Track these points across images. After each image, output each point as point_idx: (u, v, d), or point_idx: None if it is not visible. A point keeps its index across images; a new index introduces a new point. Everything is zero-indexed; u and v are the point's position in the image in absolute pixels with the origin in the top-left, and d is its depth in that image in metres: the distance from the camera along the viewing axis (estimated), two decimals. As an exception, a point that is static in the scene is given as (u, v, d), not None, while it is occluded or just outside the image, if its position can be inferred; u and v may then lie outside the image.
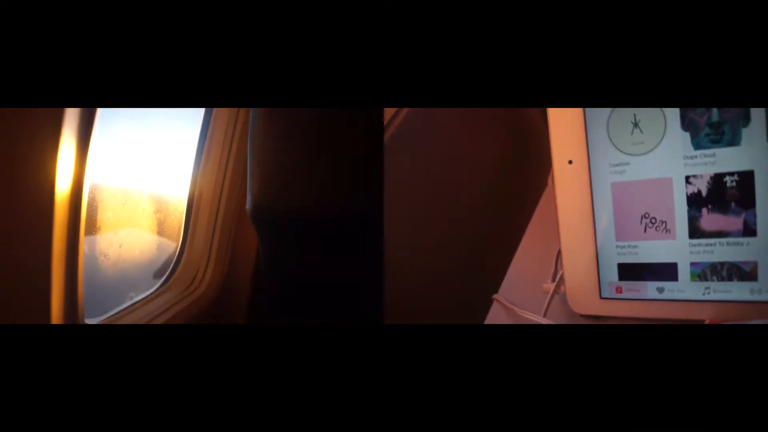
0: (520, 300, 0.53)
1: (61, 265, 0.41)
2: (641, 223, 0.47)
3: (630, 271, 0.48)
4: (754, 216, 0.43)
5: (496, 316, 0.54)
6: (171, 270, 0.87)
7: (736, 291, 0.45)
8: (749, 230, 0.44)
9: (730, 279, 0.45)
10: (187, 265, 0.88)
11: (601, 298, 0.49)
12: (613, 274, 0.49)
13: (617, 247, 0.48)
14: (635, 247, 0.47)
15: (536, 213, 0.65)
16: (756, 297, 0.44)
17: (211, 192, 0.87)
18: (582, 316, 0.50)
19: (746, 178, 0.43)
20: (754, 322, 0.42)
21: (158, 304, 0.78)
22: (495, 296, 0.55)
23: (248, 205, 0.57)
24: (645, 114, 0.45)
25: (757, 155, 0.42)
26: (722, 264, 0.45)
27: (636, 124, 0.45)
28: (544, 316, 0.49)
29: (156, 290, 0.82)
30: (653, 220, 0.46)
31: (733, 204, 0.44)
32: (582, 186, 0.47)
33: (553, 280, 0.51)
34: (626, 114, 0.46)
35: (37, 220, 0.39)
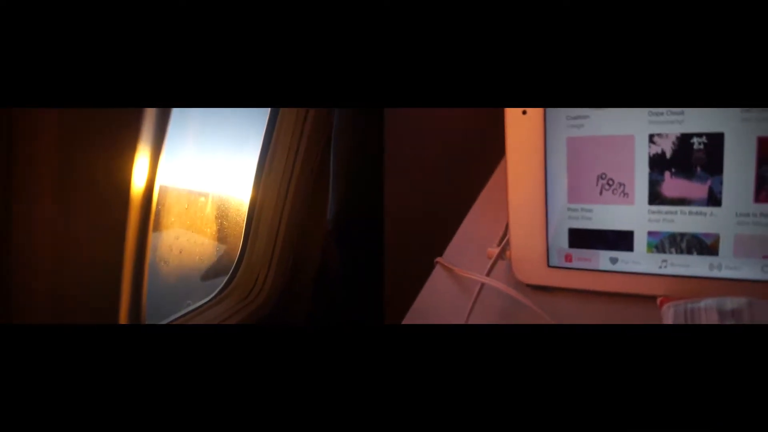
0: (464, 266, 0.49)
1: (130, 268, 0.41)
2: (597, 184, 0.42)
3: (582, 238, 0.43)
4: (721, 184, 0.39)
5: (438, 279, 0.49)
6: (229, 277, 0.84)
7: (695, 266, 0.41)
8: (714, 199, 0.39)
9: (689, 252, 0.41)
10: (246, 272, 0.85)
11: (549, 266, 0.45)
12: (563, 241, 0.44)
13: (569, 209, 0.43)
14: (589, 210, 0.43)
15: (493, 180, 0.60)
16: (715, 273, 0.40)
17: (274, 200, 0.84)
18: (528, 286, 0.46)
19: (715, 141, 0.39)
20: (706, 300, 0.37)
21: (216, 312, 0.76)
22: (438, 259, 0.50)
23: (330, 215, 0.66)
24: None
25: (728, 116, 0.38)
26: (682, 235, 0.41)
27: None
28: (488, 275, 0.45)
29: (213, 298, 0.79)
30: (610, 182, 0.42)
31: (698, 169, 0.40)
32: (535, 139, 0.42)
33: (499, 244, 0.46)
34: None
35: (113, 222, 0.39)
